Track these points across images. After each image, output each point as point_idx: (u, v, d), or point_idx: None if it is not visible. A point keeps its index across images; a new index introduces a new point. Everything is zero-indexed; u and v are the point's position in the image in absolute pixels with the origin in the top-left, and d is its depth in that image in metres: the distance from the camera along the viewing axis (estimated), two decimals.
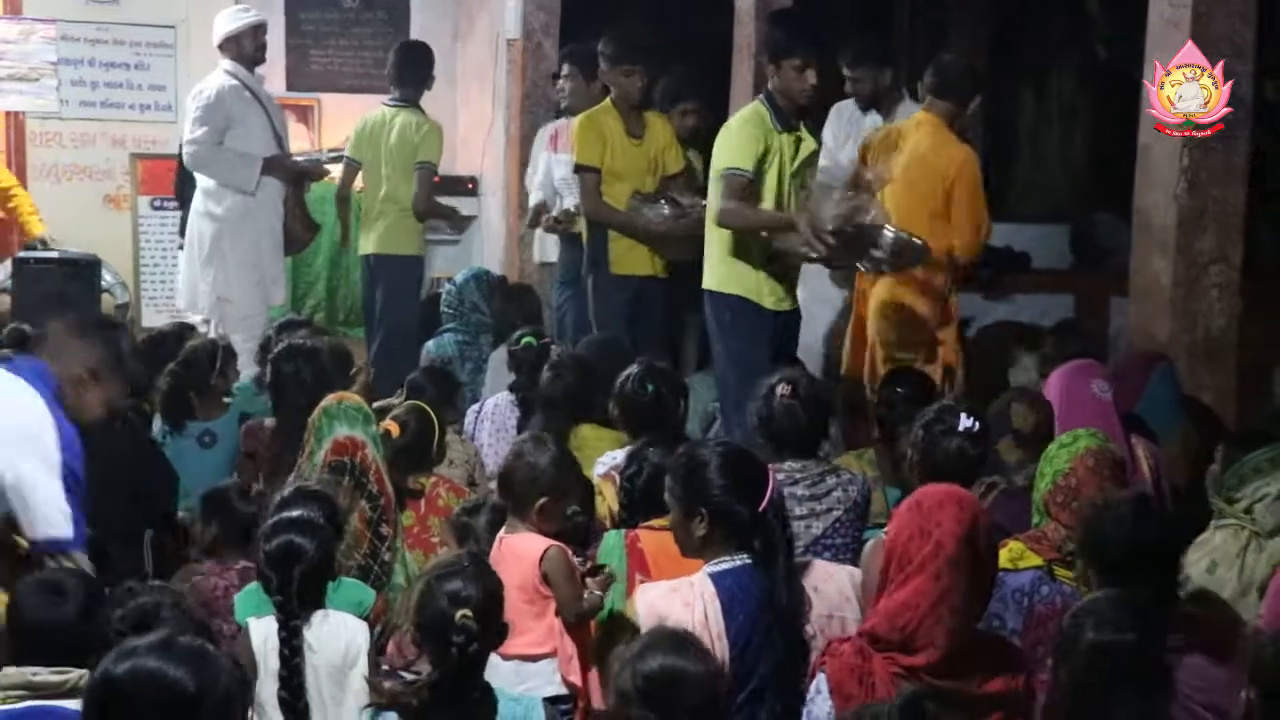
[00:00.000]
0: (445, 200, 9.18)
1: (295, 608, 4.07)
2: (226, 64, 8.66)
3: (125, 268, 10.41)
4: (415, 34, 11.30)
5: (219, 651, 2.78)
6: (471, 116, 11.37)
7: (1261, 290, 7.20)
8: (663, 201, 7.27)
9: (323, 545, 4.20)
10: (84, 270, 9.54)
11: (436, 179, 8.85)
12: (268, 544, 4.17)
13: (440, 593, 3.60)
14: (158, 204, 10.66)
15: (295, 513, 4.29)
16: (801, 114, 6.41)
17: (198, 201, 8.72)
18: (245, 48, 8.68)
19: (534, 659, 4.27)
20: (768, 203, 6.29)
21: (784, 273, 6.37)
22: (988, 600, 3.68)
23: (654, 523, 4.46)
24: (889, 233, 6.17)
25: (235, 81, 8.54)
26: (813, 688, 3.64)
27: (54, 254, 9.66)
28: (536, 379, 6.12)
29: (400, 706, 3.58)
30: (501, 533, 4.53)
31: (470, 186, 10.25)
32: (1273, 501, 4.81)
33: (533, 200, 8.86)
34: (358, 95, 9.91)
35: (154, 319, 9.83)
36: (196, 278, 8.68)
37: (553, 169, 8.46)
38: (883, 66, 7.74)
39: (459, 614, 3.54)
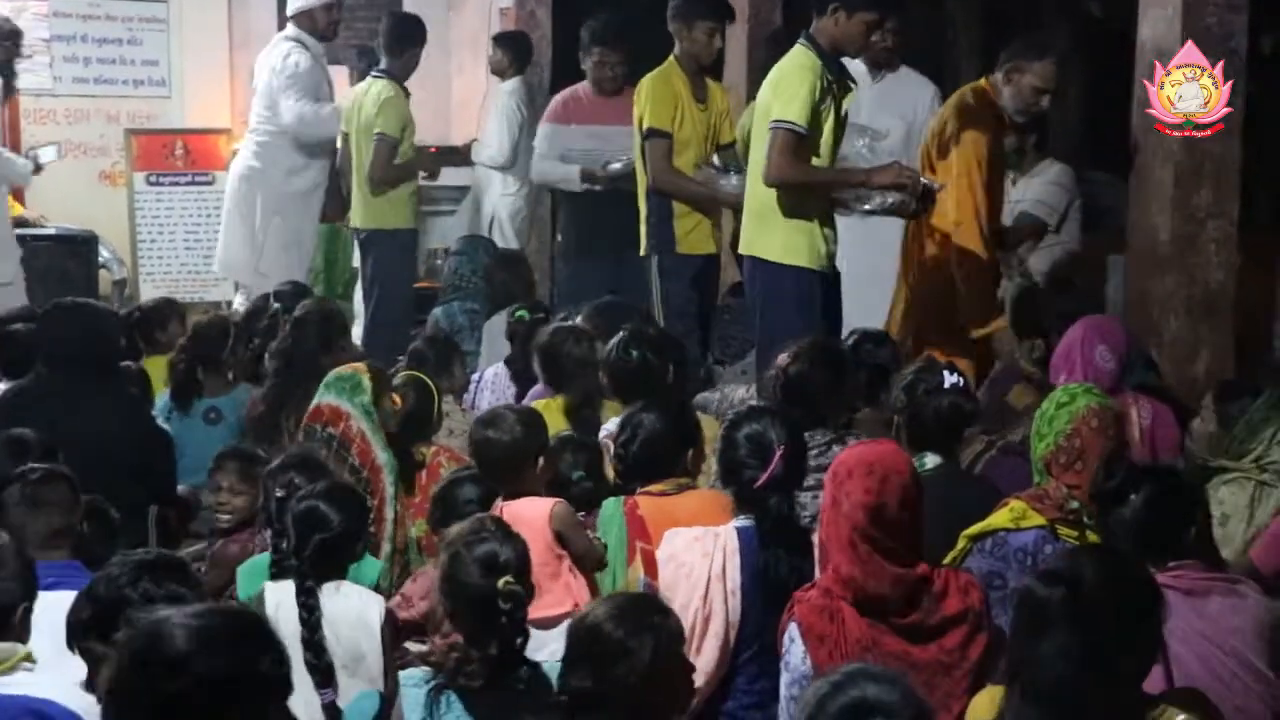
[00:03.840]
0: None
1: (309, 571, 4.11)
2: (293, 31, 8.68)
3: (122, 244, 10.41)
4: (409, 4, 11.28)
5: (268, 630, 2.67)
6: (465, 86, 11.37)
7: (1259, 244, 7.21)
8: (731, 171, 6.88)
9: (348, 520, 4.24)
10: (81, 247, 9.57)
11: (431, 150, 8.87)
12: (296, 505, 4.23)
13: (472, 560, 3.57)
14: (153, 179, 10.65)
15: (329, 483, 4.40)
16: (839, 62, 6.07)
17: (248, 170, 8.73)
18: (319, 21, 8.72)
19: (554, 621, 4.22)
20: (825, 159, 6.02)
21: (833, 228, 6.10)
22: (921, 540, 3.71)
23: (652, 488, 4.49)
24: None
25: (314, 62, 8.61)
26: (786, 638, 3.70)
27: (51, 231, 9.67)
28: (529, 352, 6.17)
29: (458, 689, 3.52)
30: (499, 501, 4.55)
31: (465, 157, 10.25)
32: None
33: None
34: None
35: (151, 294, 9.81)
36: (238, 246, 8.72)
37: (562, 140, 8.11)
38: (904, 21, 7.40)
39: (501, 581, 3.52)
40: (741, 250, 6.23)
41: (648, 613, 3.28)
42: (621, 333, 5.49)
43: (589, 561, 4.38)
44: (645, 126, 6.96)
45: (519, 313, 6.61)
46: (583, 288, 7.62)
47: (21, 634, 3.55)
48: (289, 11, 8.83)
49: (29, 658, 3.47)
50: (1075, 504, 4.15)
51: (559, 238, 8.32)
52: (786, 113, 5.88)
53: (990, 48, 7.04)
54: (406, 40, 8.67)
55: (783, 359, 4.92)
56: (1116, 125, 6.82)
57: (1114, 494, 3.93)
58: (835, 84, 6.00)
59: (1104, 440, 4.22)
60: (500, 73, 9.65)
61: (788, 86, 5.93)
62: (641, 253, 7.08)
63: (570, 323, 6.08)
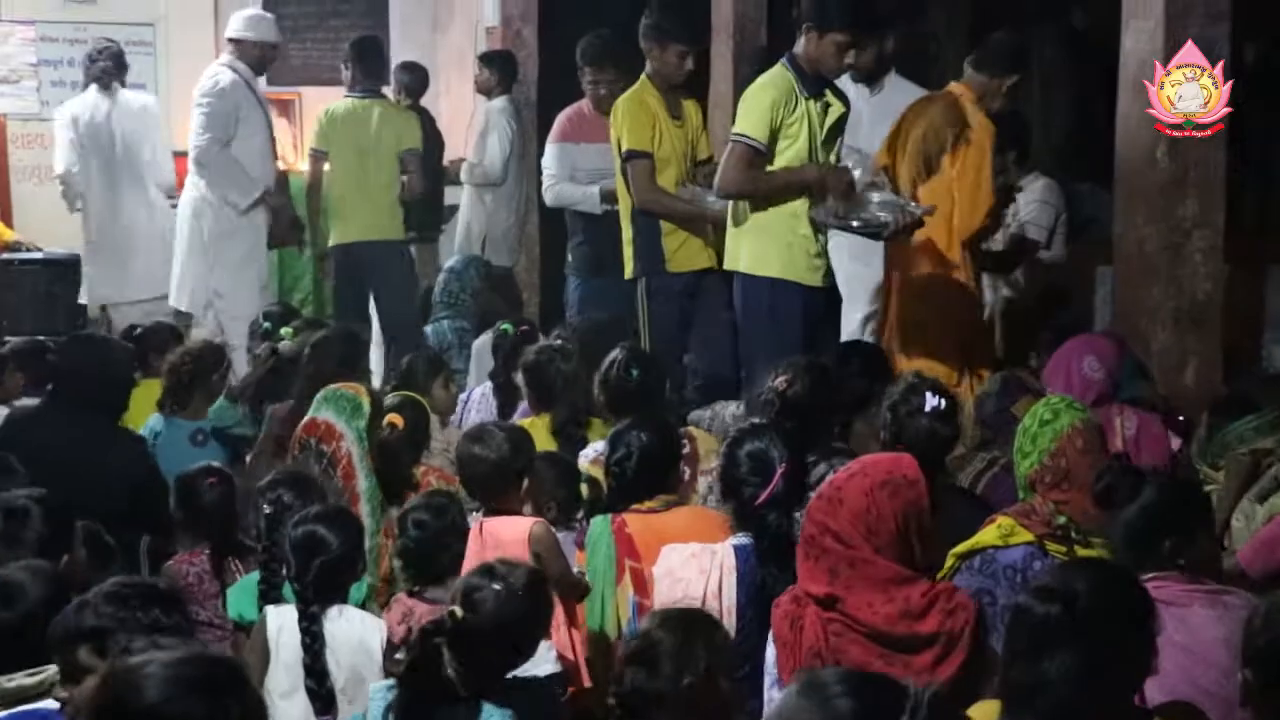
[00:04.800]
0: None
1: (311, 596, 4.09)
2: (227, 58, 8.70)
3: None
4: (394, 24, 11.34)
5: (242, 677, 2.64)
6: (452, 106, 11.38)
7: (1245, 254, 7.21)
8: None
9: (347, 541, 4.21)
10: (68, 270, 9.56)
11: None
12: (293, 531, 4.19)
13: (467, 583, 3.59)
14: None
15: (327, 506, 4.38)
16: (823, 80, 6.12)
17: (193, 194, 8.72)
18: (265, 55, 8.87)
19: None
20: None
21: (819, 241, 6.08)
22: (914, 554, 3.69)
23: (640, 505, 4.49)
24: (875, 195, 5.99)
25: (238, 77, 8.59)
26: (769, 638, 3.75)
27: (38, 255, 9.67)
28: (513, 367, 6.21)
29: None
30: (479, 517, 4.54)
31: (451, 175, 10.28)
32: None
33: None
34: (338, 88, 9.87)
35: (138, 318, 9.81)
36: (187, 273, 8.71)
37: (571, 160, 7.97)
38: (885, 35, 7.32)
39: (450, 608, 3.49)
40: (725, 264, 6.24)
41: (701, 622, 3.45)
42: (619, 352, 5.51)
43: (563, 587, 4.31)
44: (624, 149, 6.87)
45: (503, 327, 6.62)
46: (598, 305, 7.56)
47: None
48: (228, 34, 8.83)
49: None
50: (1062, 519, 4.13)
51: (569, 256, 8.07)
52: (743, 126, 5.98)
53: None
54: (386, 62, 8.80)
55: (779, 381, 4.91)
56: (1102, 136, 6.83)
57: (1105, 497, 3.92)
58: (813, 99, 6.03)
59: (1090, 460, 4.18)
60: (487, 92, 9.67)
61: (748, 101, 6.03)
62: (627, 275, 6.98)
63: (557, 341, 6.09)
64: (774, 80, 6.03)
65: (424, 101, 10.13)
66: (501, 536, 4.38)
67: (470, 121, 10.53)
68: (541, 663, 4.18)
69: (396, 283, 8.65)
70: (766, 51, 8.08)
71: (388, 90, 9.31)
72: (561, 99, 8.29)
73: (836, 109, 6.15)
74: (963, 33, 10.24)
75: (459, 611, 3.48)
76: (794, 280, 6.02)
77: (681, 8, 7.25)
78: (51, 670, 3.41)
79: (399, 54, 11.56)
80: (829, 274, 6.22)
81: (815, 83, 6.04)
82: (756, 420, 4.41)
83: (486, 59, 9.85)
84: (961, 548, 4.12)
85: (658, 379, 5.46)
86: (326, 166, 8.69)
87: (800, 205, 6.00)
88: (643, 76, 6.98)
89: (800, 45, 6.06)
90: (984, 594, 4.01)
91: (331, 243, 8.71)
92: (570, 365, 5.80)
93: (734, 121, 6.15)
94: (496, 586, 3.54)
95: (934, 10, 10.43)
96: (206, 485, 5.02)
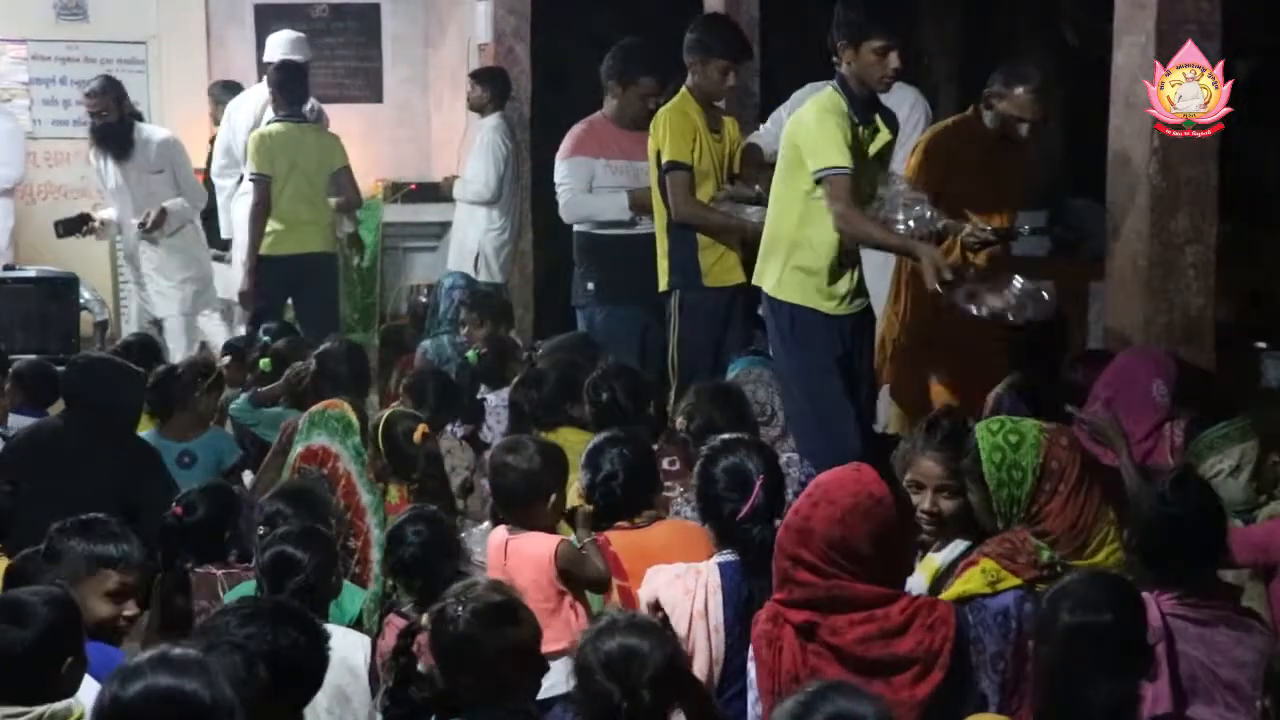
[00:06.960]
0: (422, 206, 9.35)
1: None
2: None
3: (103, 285, 10.41)
4: (386, 41, 11.39)
5: (210, 659, 2.81)
6: (444, 122, 11.40)
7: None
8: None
9: (319, 560, 4.19)
10: (62, 289, 9.55)
11: None
12: (262, 553, 4.18)
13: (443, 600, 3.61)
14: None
15: (296, 524, 4.35)
16: (874, 103, 5.89)
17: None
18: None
19: (552, 656, 4.08)
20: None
21: (850, 272, 5.89)
22: (886, 568, 3.62)
23: (621, 522, 4.49)
24: (1017, 282, 5.74)
25: None
26: (749, 657, 3.71)
27: (32, 273, 9.67)
28: (476, 391, 6.33)
29: None
30: (503, 534, 4.54)
31: (445, 192, 10.30)
32: (1227, 477, 4.87)
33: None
34: (331, 105, 9.91)
35: None
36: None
37: (594, 174, 7.58)
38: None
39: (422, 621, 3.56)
40: (768, 290, 5.99)
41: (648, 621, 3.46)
42: (598, 370, 5.59)
43: (598, 589, 4.37)
44: (665, 160, 6.79)
45: (467, 355, 6.58)
46: (618, 333, 7.39)
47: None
48: (292, 56, 9.07)
49: (82, 717, 3.41)
50: (1046, 554, 3.96)
51: (589, 285, 7.64)
52: (830, 159, 5.68)
53: (966, 75, 7.05)
54: (307, 87, 9.17)
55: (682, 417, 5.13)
56: (1095, 151, 6.84)
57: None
58: (863, 126, 5.81)
59: (1078, 455, 4.07)
60: (479, 109, 9.68)
61: (821, 131, 5.72)
62: (662, 288, 6.89)
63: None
64: (829, 105, 5.75)
65: (417, 118, 10.17)
66: (527, 551, 4.40)
67: (463, 138, 10.55)
68: (560, 686, 4.16)
69: (327, 293, 9.03)
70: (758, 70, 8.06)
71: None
72: (555, 115, 8.30)
73: (883, 136, 5.90)
74: (953, 47, 10.28)
75: (426, 624, 3.55)
76: (814, 308, 5.84)
77: (724, 23, 7.24)
78: (39, 710, 3.36)
79: (392, 71, 11.63)
80: (858, 298, 5.96)
81: (865, 107, 5.80)
82: (728, 436, 4.32)
83: (479, 76, 9.86)
84: (949, 595, 3.95)
85: (632, 396, 5.51)
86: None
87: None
88: (683, 90, 6.91)
89: (843, 67, 5.78)
90: (975, 642, 3.83)
91: (273, 252, 8.81)
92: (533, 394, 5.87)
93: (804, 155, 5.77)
94: (460, 610, 3.55)
95: (925, 26, 10.46)
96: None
